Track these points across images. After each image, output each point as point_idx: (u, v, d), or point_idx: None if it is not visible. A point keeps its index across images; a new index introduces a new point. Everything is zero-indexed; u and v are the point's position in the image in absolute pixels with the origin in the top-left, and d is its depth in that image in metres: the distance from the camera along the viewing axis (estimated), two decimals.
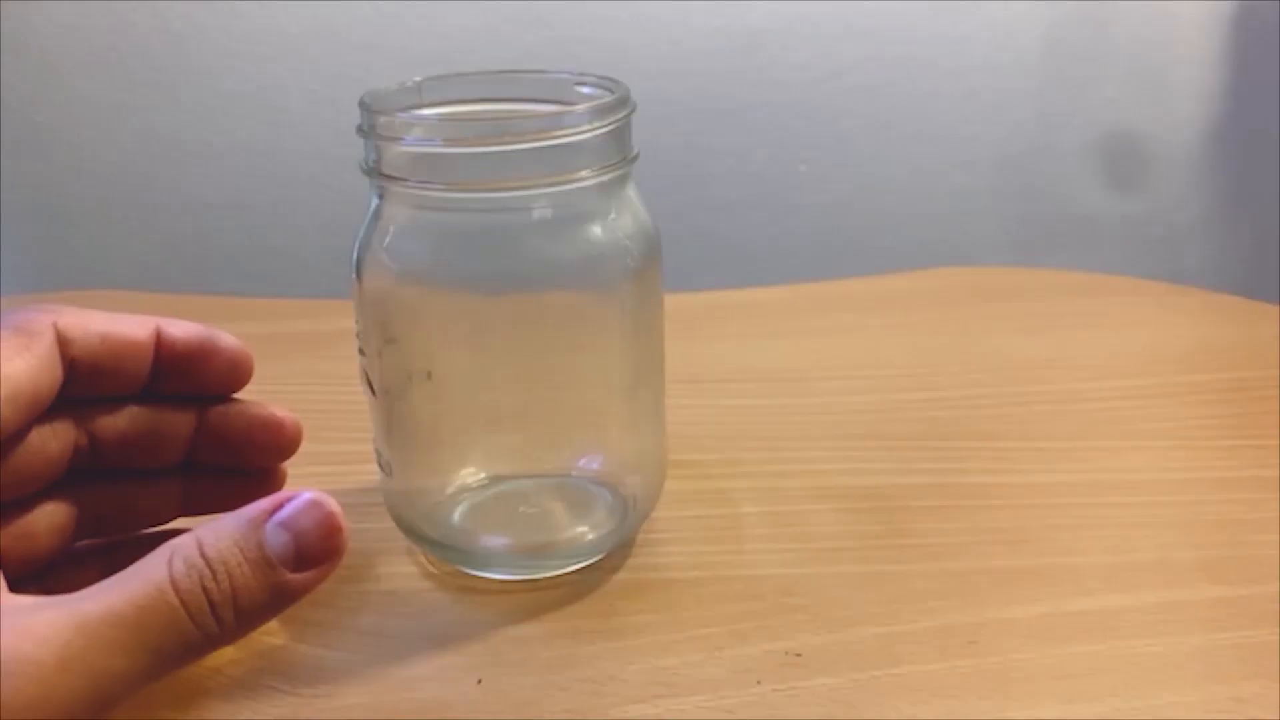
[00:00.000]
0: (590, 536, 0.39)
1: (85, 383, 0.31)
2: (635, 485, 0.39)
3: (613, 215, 0.36)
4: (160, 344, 0.33)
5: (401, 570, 0.39)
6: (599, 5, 0.71)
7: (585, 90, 0.36)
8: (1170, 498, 0.42)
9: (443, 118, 0.36)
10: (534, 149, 0.33)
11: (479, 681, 0.34)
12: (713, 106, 0.74)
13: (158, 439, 0.34)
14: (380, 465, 0.39)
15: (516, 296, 0.36)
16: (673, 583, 0.38)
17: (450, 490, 0.39)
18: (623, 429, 0.38)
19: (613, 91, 0.35)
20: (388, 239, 0.35)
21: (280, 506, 0.27)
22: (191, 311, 0.62)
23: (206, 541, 0.26)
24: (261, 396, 0.53)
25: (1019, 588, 0.37)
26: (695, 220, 0.76)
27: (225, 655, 0.34)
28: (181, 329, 0.34)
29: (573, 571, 0.39)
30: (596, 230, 0.35)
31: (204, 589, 0.25)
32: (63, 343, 0.30)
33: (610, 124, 0.34)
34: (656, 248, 0.37)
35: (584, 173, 0.34)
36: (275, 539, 0.26)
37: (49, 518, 0.32)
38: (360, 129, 0.34)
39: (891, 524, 0.40)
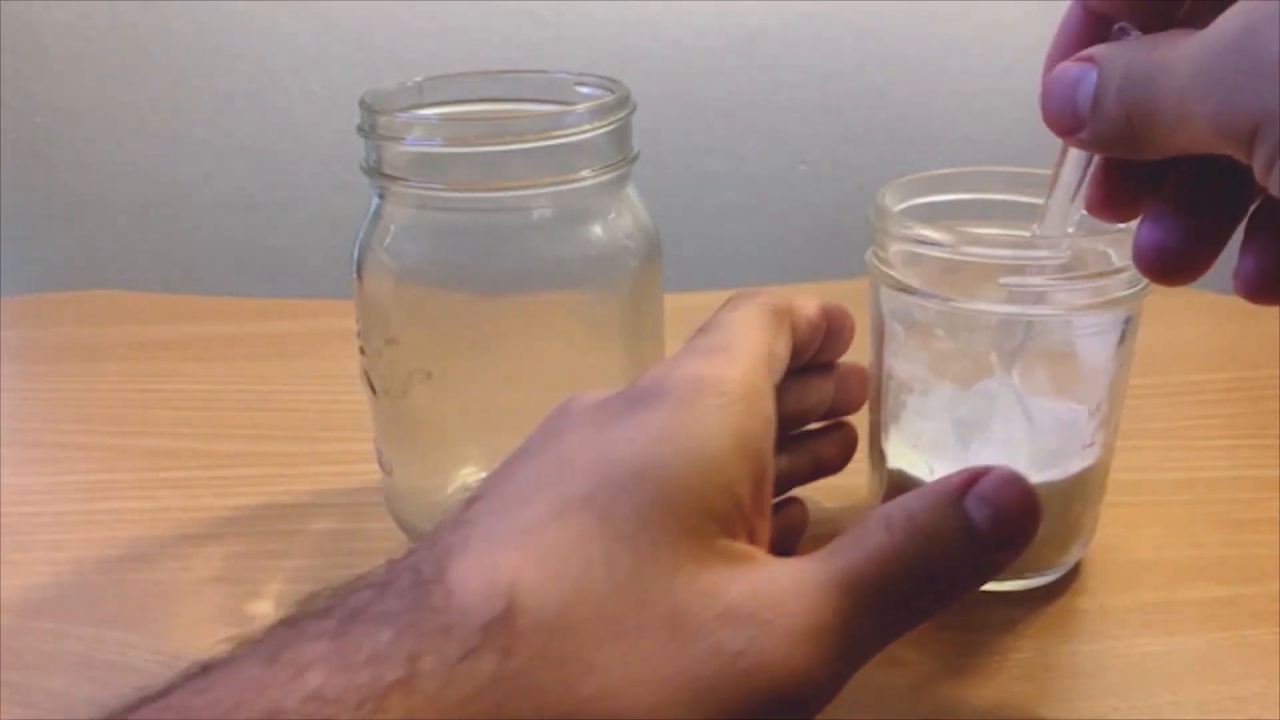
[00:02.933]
0: None
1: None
2: None
3: (613, 215, 0.36)
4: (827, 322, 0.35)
5: None
6: (599, 5, 0.71)
7: (585, 90, 0.36)
8: (1170, 498, 0.42)
9: (443, 118, 0.36)
10: (534, 149, 0.33)
11: None
12: (713, 106, 0.74)
13: (807, 407, 0.36)
14: (380, 465, 0.39)
15: (517, 296, 0.36)
16: None
17: (450, 489, 0.39)
18: None
19: (613, 91, 0.35)
20: (388, 239, 0.35)
21: (974, 480, 0.26)
22: (191, 311, 0.62)
23: (915, 510, 0.25)
24: (261, 396, 0.53)
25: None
26: (695, 220, 0.76)
27: None
28: (820, 307, 0.35)
29: None
30: (597, 230, 0.35)
31: (925, 555, 0.25)
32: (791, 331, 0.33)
33: (610, 124, 0.34)
34: (656, 247, 0.37)
35: (584, 172, 0.34)
36: (977, 511, 0.25)
37: None
38: (361, 129, 0.34)
39: None
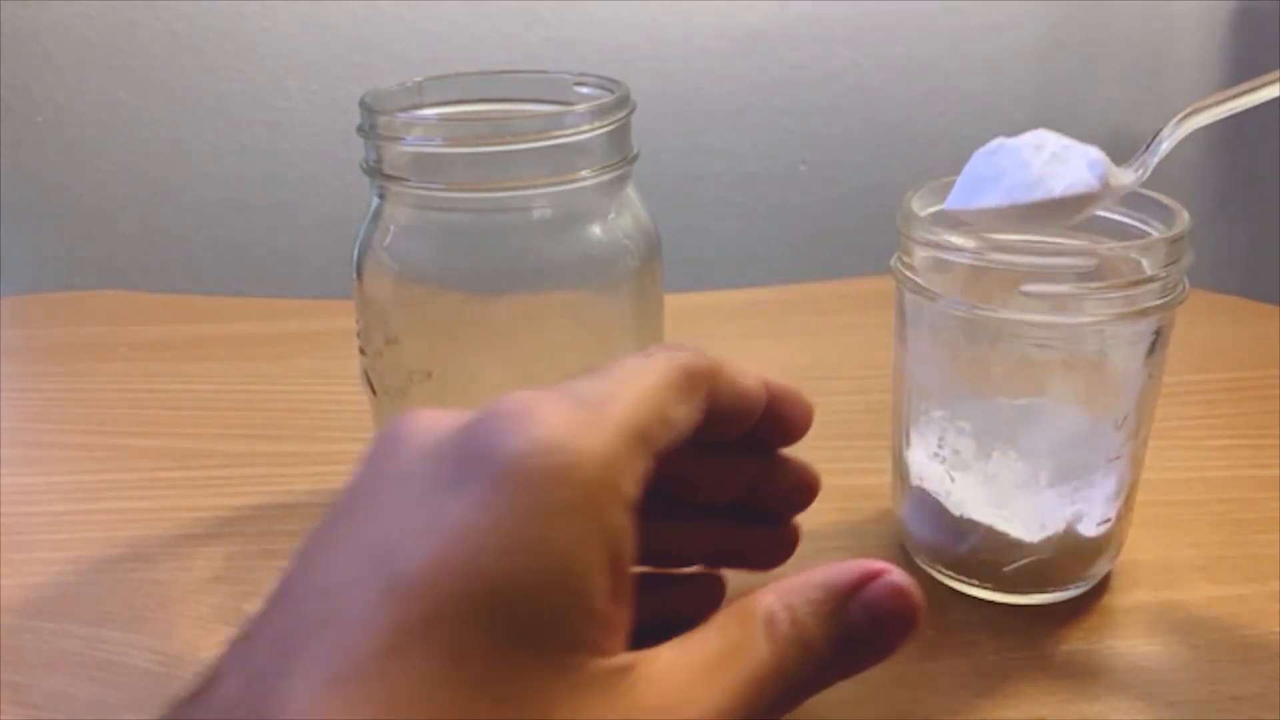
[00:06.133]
0: None
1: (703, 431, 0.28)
2: None
3: (613, 215, 0.36)
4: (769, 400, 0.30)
5: None
6: (599, 5, 0.71)
7: (585, 90, 0.36)
8: (1170, 497, 0.42)
9: (443, 118, 0.36)
10: (534, 149, 0.33)
11: None
12: (713, 106, 0.74)
13: (721, 483, 0.32)
14: None
15: (517, 296, 0.36)
16: None
17: None
18: None
19: (612, 91, 0.35)
20: (388, 239, 0.35)
21: (864, 582, 0.25)
22: (192, 311, 0.62)
23: (802, 620, 0.24)
24: (261, 396, 0.53)
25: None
26: (695, 220, 0.76)
27: None
28: (763, 383, 0.30)
29: None
30: (597, 230, 0.35)
31: (802, 668, 0.24)
32: (710, 398, 0.28)
33: (610, 124, 0.34)
34: (656, 247, 0.37)
35: (584, 173, 0.34)
36: (860, 620, 0.25)
37: None
38: (361, 129, 0.34)
39: (892, 523, 0.40)
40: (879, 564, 0.25)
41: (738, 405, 0.29)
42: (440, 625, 0.20)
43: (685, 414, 0.26)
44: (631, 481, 0.23)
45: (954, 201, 0.33)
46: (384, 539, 0.22)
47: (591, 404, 0.24)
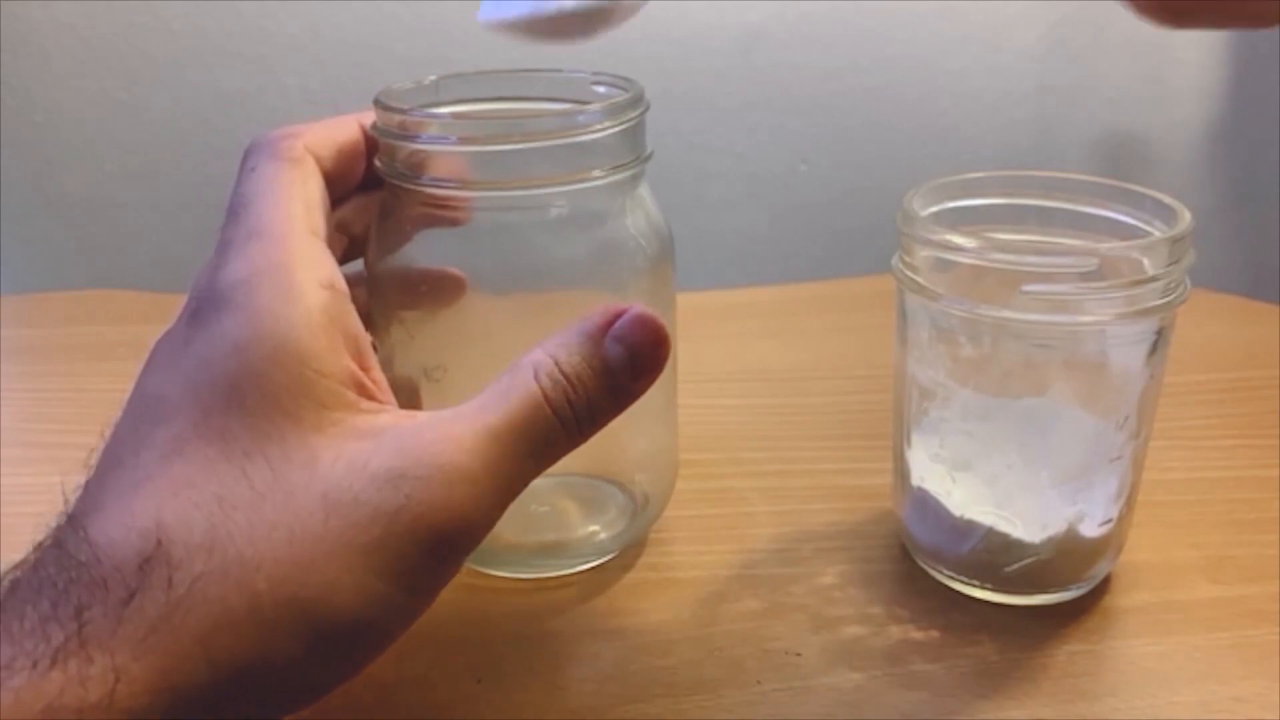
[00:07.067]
0: (602, 536, 0.39)
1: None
2: (647, 484, 0.39)
3: (625, 214, 0.36)
4: (368, 140, 0.35)
5: None
6: None
7: (600, 89, 0.36)
8: (1170, 498, 0.42)
9: (456, 116, 0.36)
10: (547, 148, 0.33)
11: (479, 681, 0.34)
12: (713, 106, 0.74)
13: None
14: None
15: (529, 295, 0.35)
16: (676, 582, 0.38)
17: None
18: (635, 428, 0.38)
19: (626, 90, 0.35)
20: (399, 237, 0.35)
21: (613, 321, 0.29)
22: None
23: (560, 359, 0.28)
24: None
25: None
26: (696, 219, 0.76)
27: None
28: (357, 125, 0.35)
29: (584, 570, 0.39)
30: (609, 229, 0.35)
31: (568, 400, 0.28)
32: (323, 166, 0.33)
33: (624, 123, 0.34)
34: (669, 246, 0.37)
35: (597, 171, 0.34)
36: (613, 352, 0.28)
37: None
38: (374, 126, 0.34)
39: (892, 524, 0.41)
40: (624, 305, 0.29)
41: (345, 160, 0.33)
42: (206, 425, 0.25)
43: (316, 189, 0.31)
44: (321, 265, 0.29)
45: (483, 14, 0.35)
46: (149, 399, 0.27)
47: (254, 236, 0.29)
